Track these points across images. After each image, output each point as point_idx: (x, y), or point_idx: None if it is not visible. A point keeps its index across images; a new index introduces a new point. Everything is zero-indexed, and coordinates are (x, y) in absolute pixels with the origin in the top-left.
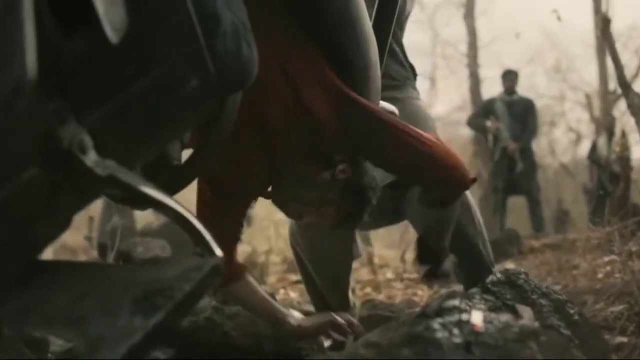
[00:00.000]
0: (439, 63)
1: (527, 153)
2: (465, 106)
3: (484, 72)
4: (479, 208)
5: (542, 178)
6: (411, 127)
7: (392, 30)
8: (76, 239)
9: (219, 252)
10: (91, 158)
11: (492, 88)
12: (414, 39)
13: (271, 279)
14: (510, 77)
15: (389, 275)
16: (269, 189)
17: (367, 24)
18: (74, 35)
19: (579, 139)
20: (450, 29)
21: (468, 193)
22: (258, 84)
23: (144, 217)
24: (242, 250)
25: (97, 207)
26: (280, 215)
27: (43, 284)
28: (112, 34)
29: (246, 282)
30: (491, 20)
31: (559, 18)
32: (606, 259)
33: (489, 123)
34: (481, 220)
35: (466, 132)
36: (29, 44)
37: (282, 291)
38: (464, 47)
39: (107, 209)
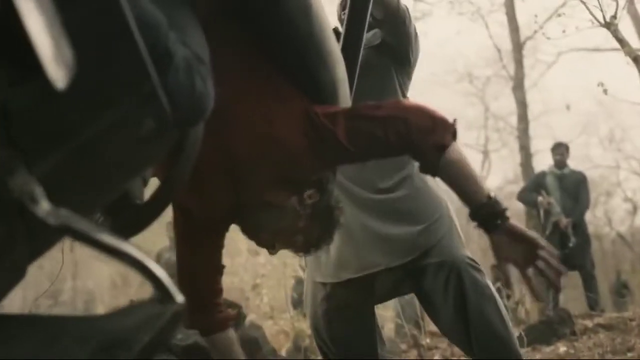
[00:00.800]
0: (491, 136)
1: (579, 228)
2: (518, 179)
3: (535, 145)
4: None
5: (599, 248)
6: (373, 103)
7: (361, 48)
8: None
9: (180, 298)
10: (43, 208)
11: (544, 161)
12: (466, 112)
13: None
14: (560, 150)
15: (437, 357)
16: (239, 218)
17: (333, 42)
18: (20, 82)
19: (635, 208)
20: (501, 102)
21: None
22: (224, 116)
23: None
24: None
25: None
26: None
27: None
28: (58, 80)
29: (227, 336)
30: (542, 92)
31: (605, 92)
32: None
33: (540, 198)
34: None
35: (519, 206)
36: None
37: None
38: (514, 120)
39: None
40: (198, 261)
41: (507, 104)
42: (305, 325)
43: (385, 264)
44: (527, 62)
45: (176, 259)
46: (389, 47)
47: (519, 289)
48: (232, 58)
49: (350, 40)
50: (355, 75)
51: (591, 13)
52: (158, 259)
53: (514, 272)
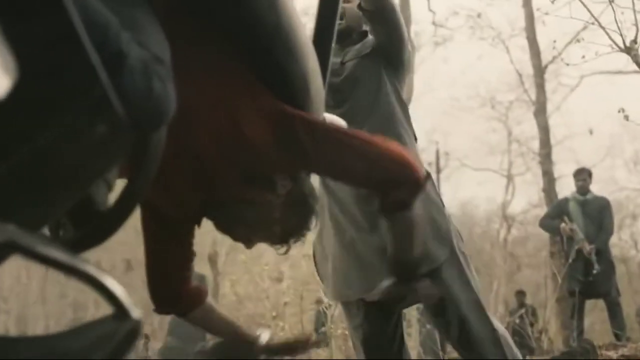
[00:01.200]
0: (515, 160)
1: (603, 254)
2: (542, 203)
3: (559, 169)
4: (554, 312)
5: (625, 272)
6: (356, 131)
7: (333, 40)
8: None
9: (136, 313)
10: None
11: (568, 185)
12: (489, 137)
13: None
14: (583, 176)
15: None
16: (211, 215)
17: (302, 33)
18: None
19: None
20: (524, 127)
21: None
22: (189, 116)
23: None
24: (252, 306)
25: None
26: None
27: None
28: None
29: (205, 308)
30: (564, 116)
31: (627, 117)
32: None
33: (562, 225)
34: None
35: (544, 231)
36: None
37: None
38: (537, 145)
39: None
40: (168, 254)
41: (529, 128)
42: (325, 354)
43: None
44: (549, 85)
45: (145, 252)
46: (381, 50)
47: (543, 318)
48: (196, 56)
49: (322, 31)
50: (327, 67)
51: (610, 38)
52: None
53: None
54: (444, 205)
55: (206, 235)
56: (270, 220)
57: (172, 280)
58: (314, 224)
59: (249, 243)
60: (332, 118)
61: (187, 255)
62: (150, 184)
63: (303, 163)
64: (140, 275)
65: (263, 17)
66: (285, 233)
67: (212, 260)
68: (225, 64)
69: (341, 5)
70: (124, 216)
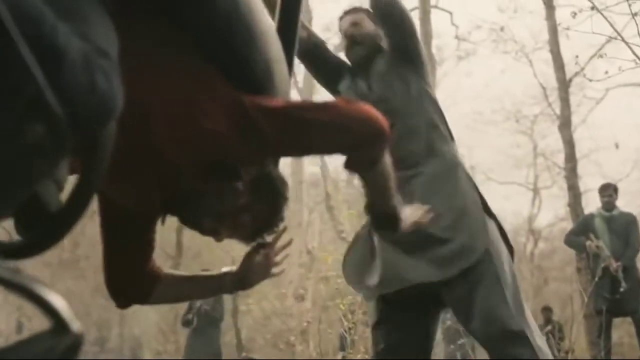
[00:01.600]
0: (541, 174)
1: (630, 271)
2: (569, 217)
3: (585, 182)
4: (581, 330)
5: None
6: (315, 102)
7: (298, 26)
8: None
9: (75, 326)
10: None
11: (595, 199)
12: (514, 151)
13: None
14: (608, 192)
15: None
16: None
17: (263, 19)
18: None
19: None
20: (549, 140)
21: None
22: (146, 111)
23: None
24: (278, 322)
25: None
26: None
27: None
28: None
29: (166, 280)
30: (590, 129)
31: None
32: None
33: (587, 242)
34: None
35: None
36: None
37: None
38: (563, 158)
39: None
40: (126, 250)
41: (555, 141)
42: None
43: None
44: (574, 98)
45: (103, 247)
46: (399, 52)
47: (569, 337)
48: (151, 50)
49: (286, 19)
50: (293, 54)
51: (634, 53)
52: (190, 308)
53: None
54: (483, 202)
55: (224, 255)
56: (236, 208)
57: (129, 276)
58: (285, 213)
59: (217, 236)
60: None
61: (146, 250)
62: (106, 180)
63: (267, 150)
64: None
65: (220, 4)
66: (256, 223)
67: None
68: (182, 56)
69: (351, 30)
70: (77, 215)
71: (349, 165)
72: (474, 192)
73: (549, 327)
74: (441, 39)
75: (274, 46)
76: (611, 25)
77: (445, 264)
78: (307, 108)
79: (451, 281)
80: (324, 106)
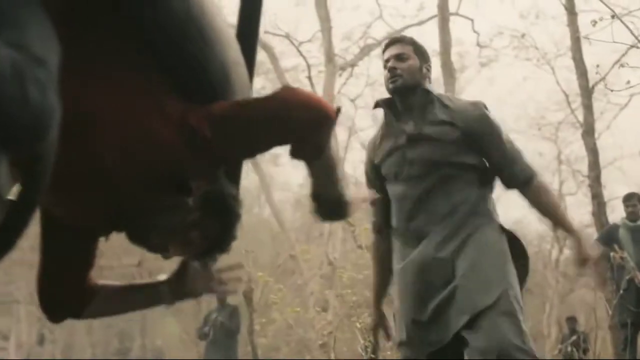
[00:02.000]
0: (566, 179)
1: None
2: (594, 224)
3: (610, 188)
4: (607, 339)
5: None
6: (253, 98)
7: (258, 28)
8: None
9: None
10: None
11: (619, 207)
12: (538, 158)
13: None
14: (633, 202)
15: None
16: (122, 225)
17: (218, 21)
18: None
19: None
20: (574, 147)
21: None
22: (90, 123)
23: None
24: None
25: None
26: None
27: None
28: None
29: (103, 292)
30: (615, 135)
31: None
32: None
33: (612, 253)
34: None
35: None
36: None
37: None
38: (587, 165)
39: None
40: (65, 265)
41: (579, 148)
42: None
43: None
44: (598, 104)
45: (40, 259)
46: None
47: (593, 350)
48: (99, 59)
49: (246, 22)
50: (254, 57)
51: None
52: (206, 320)
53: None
54: (505, 234)
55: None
56: (185, 224)
57: (65, 292)
58: (238, 231)
59: (165, 253)
60: None
61: (86, 268)
62: (49, 194)
63: (216, 159)
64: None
65: (172, 6)
66: (206, 241)
67: (248, 297)
68: (130, 66)
69: (394, 63)
70: (18, 230)
71: (294, 154)
72: (496, 233)
73: (574, 338)
74: (463, 46)
75: (231, 49)
76: (631, 32)
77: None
78: (247, 106)
79: None
80: (264, 100)
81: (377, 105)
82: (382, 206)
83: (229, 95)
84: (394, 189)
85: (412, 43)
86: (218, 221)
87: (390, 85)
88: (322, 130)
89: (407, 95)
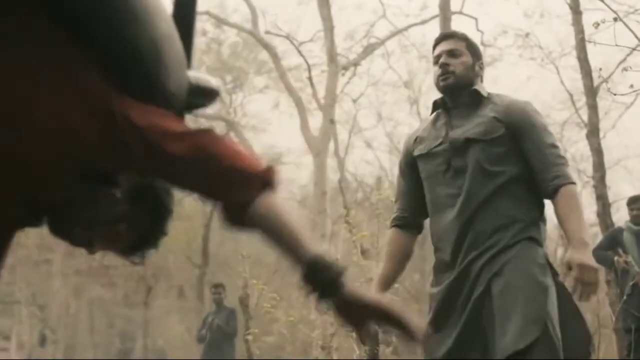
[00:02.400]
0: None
1: None
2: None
3: (616, 188)
4: (613, 339)
5: None
6: (182, 128)
7: (196, 5)
8: None
9: None
10: None
11: (625, 207)
12: None
13: None
14: (637, 205)
15: None
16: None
17: None
18: None
19: None
20: (579, 146)
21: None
22: (12, 116)
23: None
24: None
25: None
26: None
27: None
28: None
29: None
30: (620, 135)
31: None
32: None
33: (615, 257)
34: None
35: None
36: None
37: None
38: (592, 164)
39: None
40: None
41: (584, 147)
42: None
43: None
44: (603, 103)
45: None
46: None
47: (597, 354)
48: (20, 46)
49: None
50: (192, 36)
51: None
52: (204, 323)
53: None
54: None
55: (252, 265)
56: (111, 217)
57: None
58: (168, 226)
59: (90, 247)
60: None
61: None
62: None
63: (134, 166)
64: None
65: None
66: (134, 235)
67: (243, 303)
68: (53, 54)
69: (446, 59)
70: None
71: (225, 220)
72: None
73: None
74: None
75: (163, 24)
76: (635, 35)
77: None
78: (171, 135)
79: None
80: (192, 134)
81: (435, 106)
82: (410, 201)
83: (160, 69)
84: (436, 192)
85: (465, 39)
86: (147, 215)
87: (442, 83)
88: (246, 187)
89: (457, 94)
